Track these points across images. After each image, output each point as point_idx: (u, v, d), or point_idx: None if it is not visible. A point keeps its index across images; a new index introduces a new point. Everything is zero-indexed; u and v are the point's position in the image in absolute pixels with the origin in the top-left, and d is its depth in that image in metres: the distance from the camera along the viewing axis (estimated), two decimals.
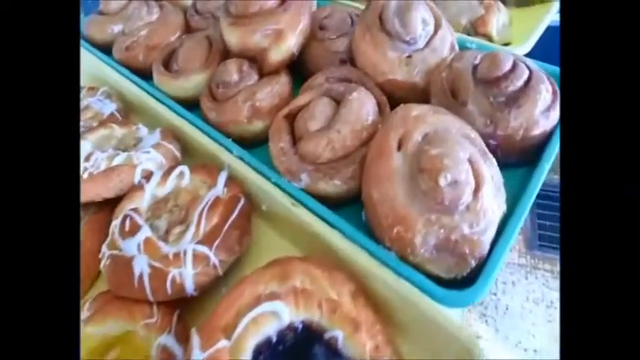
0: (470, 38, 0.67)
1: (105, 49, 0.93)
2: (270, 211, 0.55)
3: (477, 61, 0.56)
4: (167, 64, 0.80)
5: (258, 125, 0.65)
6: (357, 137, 0.54)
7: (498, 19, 0.74)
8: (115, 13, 0.99)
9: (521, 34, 0.73)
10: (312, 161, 0.54)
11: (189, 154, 0.67)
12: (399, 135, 0.47)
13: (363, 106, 0.55)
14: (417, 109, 0.50)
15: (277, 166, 0.56)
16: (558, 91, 0.53)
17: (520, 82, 0.51)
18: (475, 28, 0.73)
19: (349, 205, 0.54)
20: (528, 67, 0.53)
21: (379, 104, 0.59)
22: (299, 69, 0.72)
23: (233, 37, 0.69)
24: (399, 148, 0.47)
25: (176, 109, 0.71)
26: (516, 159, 0.52)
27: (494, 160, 0.47)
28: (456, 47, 0.61)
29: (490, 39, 0.73)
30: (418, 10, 0.61)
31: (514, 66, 0.52)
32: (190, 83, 0.75)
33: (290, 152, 0.55)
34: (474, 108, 0.52)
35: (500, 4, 0.76)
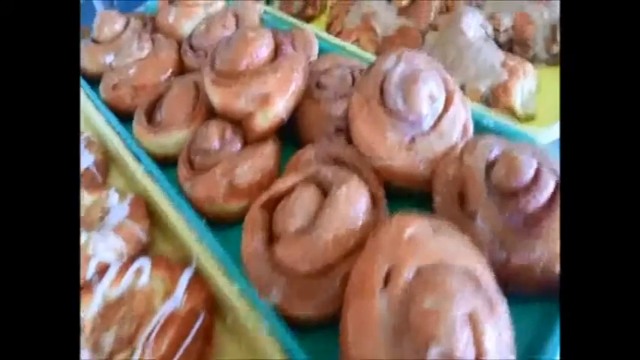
0: (487, 114, 0.56)
1: (96, 80, 0.86)
2: (235, 326, 0.47)
3: (491, 156, 0.46)
4: (152, 111, 0.73)
5: (236, 205, 0.57)
6: (341, 246, 0.45)
7: (523, 86, 0.62)
8: (108, 42, 0.93)
9: (551, 104, 0.62)
10: (286, 271, 0.45)
11: (159, 227, 0.60)
12: (388, 265, 0.38)
13: (352, 205, 0.46)
14: (413, 226, 0.40)
15: (248, 272, 0.47)
16: None
17: (543, 198, 0.41)
18: (496, 97, 0.61)
19: (327, 328, 0.45)
20: (555, 175, 0.43)
21: (374, 197, 0.49)
22: (291, 129, 0.64)
23: (215, 97, 0.61)
24: (386, 282, 0.38)
25: (153, 172, 0.63)
26: (535, 293, 0.42)
27: (503, 308, 0.37)
28: (470, 130, 0.51)
29: (512, 111, 0.61)
30: (426, 82, 0.51)
31: (537, 175, 0.42)
32: (172, 140, 0.67)
33: (263, 257, 0.47)
34: (485, 225, 0.42)
35: (527, 66, 0.63)
